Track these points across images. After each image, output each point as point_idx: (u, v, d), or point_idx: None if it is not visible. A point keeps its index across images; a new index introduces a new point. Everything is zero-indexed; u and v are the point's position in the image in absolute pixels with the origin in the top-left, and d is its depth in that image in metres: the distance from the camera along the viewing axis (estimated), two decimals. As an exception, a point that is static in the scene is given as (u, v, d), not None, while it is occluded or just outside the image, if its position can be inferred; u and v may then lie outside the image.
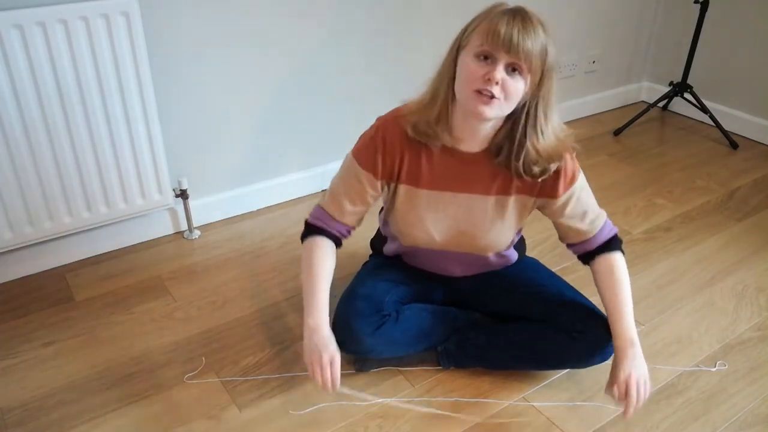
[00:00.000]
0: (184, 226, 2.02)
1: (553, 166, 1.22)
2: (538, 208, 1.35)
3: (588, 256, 1.37)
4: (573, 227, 1.34)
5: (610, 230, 1.36)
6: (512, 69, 1.10)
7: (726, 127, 2.67)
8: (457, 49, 1.16)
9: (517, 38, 1.07)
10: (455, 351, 1.47)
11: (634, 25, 2.84)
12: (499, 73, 1.09)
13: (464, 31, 1.15)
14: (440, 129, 1.21)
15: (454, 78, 1.16)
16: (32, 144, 1.59)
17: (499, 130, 1.22)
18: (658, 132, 2.78)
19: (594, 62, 2.79)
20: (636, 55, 2.94)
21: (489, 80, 1.09)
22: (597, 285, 1.36)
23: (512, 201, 1.31)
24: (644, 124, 2.82)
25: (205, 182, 2.01)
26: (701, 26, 2.56)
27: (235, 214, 2.11)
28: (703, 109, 2.65)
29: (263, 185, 2.13)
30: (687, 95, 2.70)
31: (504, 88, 1.10)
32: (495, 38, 1.07)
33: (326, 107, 2.12)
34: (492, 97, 1.10)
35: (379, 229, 1.62)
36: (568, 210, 1.31)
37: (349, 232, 1.38)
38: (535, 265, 1.57)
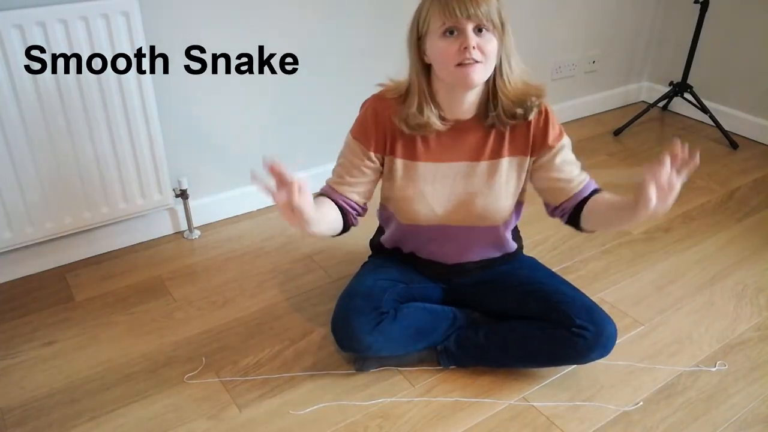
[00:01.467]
0: (184, 226, 2.02)
1: (532, 104, 1.28)
2: (534, 171, 1.37)
3: (576, 210, 1.34)
4: (564, 179, 1.34)
5: (594, 184, 1.37)
6: (479, 30, 1.17)
7: (726, 127, 2.67)
8: (417, 39, 1.23)
9: (471, 5, 1.14)
10: (455, 350, 1.47)
11: (634, 25, 2.84)
12: (472, 39, 1.16)
13: (416, 21, 1.23)
14: (426, 115, 1.27)
15: (424, 67, 1.25)
16: (32, 144, 1.60)
17: (482, 94, 1.30)
18: (658, 132, 2.78)
19: (594, 62, 2.79)
20: (636, 55, 2.94)
21: (465, 49, 1.16)
22: (596, 215, 1.31)
23: (506, 163, 1.34)
24: (644, 124, 2.82)
25: (205, 182, 2.01)
26: (701, 26, 2.56)
27: (235, 214, 2.11)
28: (703, 109, 2.65)
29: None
30: (687, 95, 2.70)
31: (481, 50, 1.18)
32: (452, 12, 1.14)
33: (327, 107, 2.12)
34: (475, 62, 1.17)
35: (378, 229, 1.62)
36: (561, 161, 1.34)
37: (352, 208, 1.37)
38: (533, 263, 1.58)
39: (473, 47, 1.16)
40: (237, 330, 1.62)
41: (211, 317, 1.66)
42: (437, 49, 1.19)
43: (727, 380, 1.48)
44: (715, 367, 1.52)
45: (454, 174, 1.35)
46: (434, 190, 1.36)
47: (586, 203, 1.34)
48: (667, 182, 1.05)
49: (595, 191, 1.37)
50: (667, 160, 1.04)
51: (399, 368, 1.49)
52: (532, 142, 1.34)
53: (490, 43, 1.18)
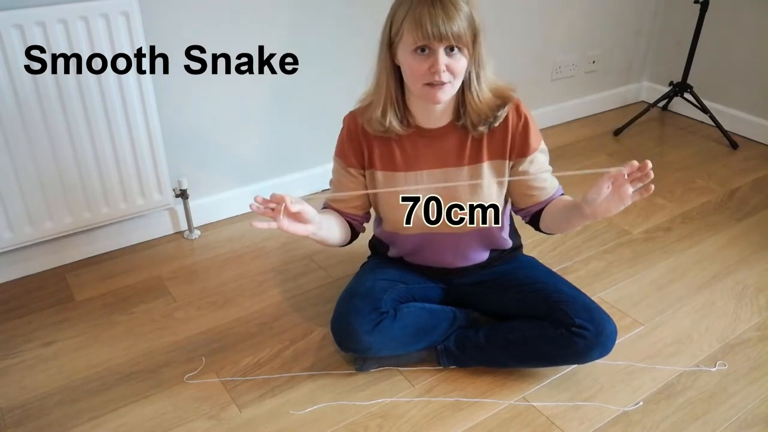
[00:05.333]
0: (184, 226, 2.02)
1: (501, 112, 1.29)
2: (512, 173, 1.37)
3: (537, 212, 1.39)
4: (537, 186, 1.37)
5: (560, 190, 1.41)
6: (450, 49, 1.17)
7: (726, 127, 2.67)
8: (389, 42, 1.21)
9: (443, 26, 1.12)
10: (455, 350, 1.47)
11: (634, 25, 2.84)
12: (442, 62, 1.16)
13: (389, 24, 1.20)
14: (388, 120, 1.28)
15: (394, 69, 1.24)
16: (32, 144, 1.60)
17: (454, 101, 1.30)
18: (658, 132, 2.78)
19: (594, 62, 2.79)
20: (636, 55, 2.94)
21: (435, 71, 1.16)
22: (551, 219, 1.35)
23: (486, 167, 1.35)
24: (644, 124, 2.82)
25: (205, 182, 2.01)
26: (701, 26, 2.56)
27: (235, 214, 2.11)
28: (703, 109, 2.65)
29: (263, 185, 2.13)
30: (687, 95, 2.70)
31: (451, 70, 1.18)
32: (424, 32, 1.13)
33: (326, 107, 2.12)
34: (443, 84, 1.18)
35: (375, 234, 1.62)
36: (537, 166, 1.35)
37: (355, 219, 1.44)
38: (532, 263, 1.58)
39: (443, 70, 1.16)
40: (237, 330, 1.62)
41: (211, 317, 1.66)
42: (407, 63, 1.19)
43: (727, 380, 1.48)
44: (715, 367, 1.52)
45: (436, 180, 1.35)
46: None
47: (545, 208, 1.38)
48: (621, 185, 1.08)
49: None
50: (626, 168, 1.07)
51: (399, 368, 1.49)
52: (510, 146, 1.33)
53: (459, 62, 1.18)
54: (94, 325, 1.63)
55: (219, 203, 2.06)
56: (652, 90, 3.02)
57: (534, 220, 1.42)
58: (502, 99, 1.30)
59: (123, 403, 1.40)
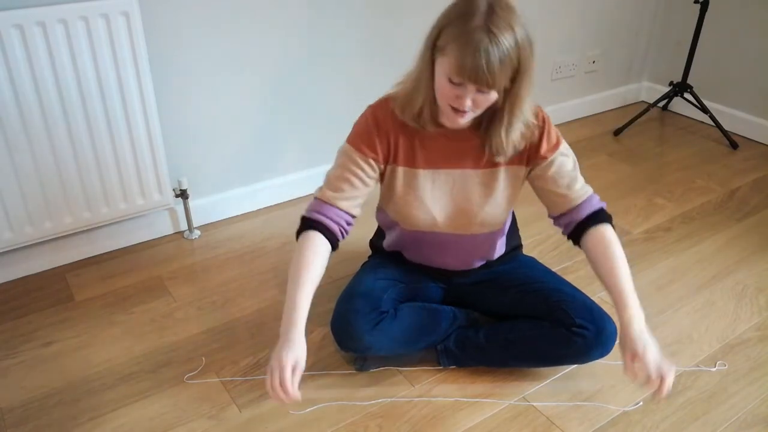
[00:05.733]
0: (184, 226, 2.02)
1: (522, 144, 1.28)
2: (530, 179, 1.36)
3: (577, 230, 1.34)
4: (559, 192, 1.33)
5: (598, 203, 1.35)
6: (480, 90, 1.14)
7: (726, 127, 2.67)
8: (432, 48, 1.16)
9: (482, 74, 1.09)
10: (455, 350, 1.47)
11: (634, 25, 2.84)
12: (468, 100, 1.15)
13: (438, 32, 1.14)
14: (424, 121, 1.26)
15: (432, 77, 1.19)
16: (32, 144, 1.60)
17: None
18: (658, 132, 2.78)
19: (594, 62, 2.79)
20: (636, 55, 2.94)
21: (460, 104, 1.16)
22: (591, 262, 1.33)
23: (503, 172, 1.34)
24: (644, 124, 2.82)
25: (205, 182, 2.01)
26: (701, 26, 2.56)
27: (235, 214, 2.11)
28: (703, 109, 2.65)
29: (263, 185, 2.13)
30: (687, 95, 2.70)
31: (476, 104, 1.16)
32: (461, 73, 1.10)
33: (326, 107, 2.12)
34: (465, 112, 1.17)
35: (378, 229, 1.62)
36: (554, 172, 1.32)
37: (348, 223, 1.32)
38: (532, 263, 1.58)
39: (468, 104, 1.15)
40: (237, 330, 1.62)
41: (211, 317, 1.66)
42: (439, 81, 1.16)
43: (727, 380, 1.48)
44: (715, 367, 1.52)
45: (453, 181, 1.34)
46: (433, 197, 1.35)
47: (586, 230, 1.32)
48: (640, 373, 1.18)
49: (595, 217, 1.32)
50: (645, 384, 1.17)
51: (399, 368, 1.49)
52: (528, 152, 1.32)
53: (487, 99, 1.16)
54: (94, 325, 1.63)
55: (219, 203, 2.06)
56: (652, 90, 3.02)
57: (573, 239, 1.36)
58: (529, 130, 1.28)
59: (123, 403, 1.40)
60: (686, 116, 2.90)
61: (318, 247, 1.28)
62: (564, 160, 1.33)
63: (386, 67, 2.17)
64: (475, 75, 1.09)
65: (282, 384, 1.12)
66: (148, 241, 1.96)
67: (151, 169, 1.80)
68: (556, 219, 1.39)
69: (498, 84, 1.12)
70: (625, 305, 1.23)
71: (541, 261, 1.60)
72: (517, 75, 1.14)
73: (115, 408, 1.39)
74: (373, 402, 1.41)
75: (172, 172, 1.88)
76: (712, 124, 2.68)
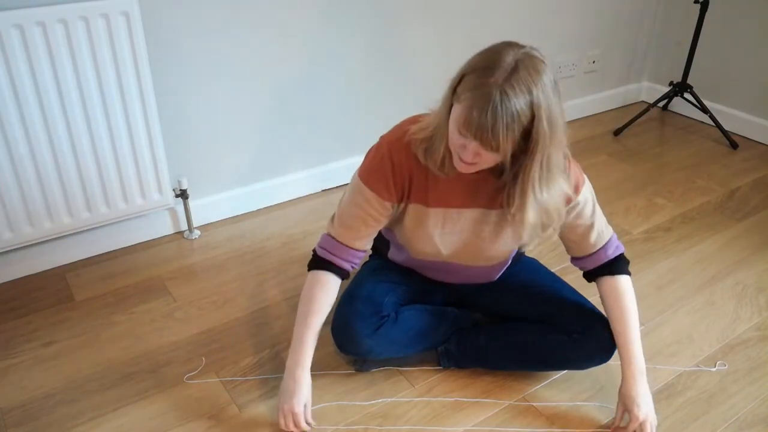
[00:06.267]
0: (184, 226, 2.02)
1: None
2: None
3: (588, 275, 1.38)
4: (575, 240, 1.34)
5: (616, 248, 1.35)
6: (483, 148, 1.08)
7: (726, 127, 2.67)
8: (452, 93, 1.10)
9: (487, 132, 1.03)
10: (455, 351, 1.47)
11: (634, 25, 2.84)
12: (469, 154, 1.08)
13: (461, 76, 1.08)
14: (448, 169, 1.19)
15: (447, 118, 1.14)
16: (32, 144, 1.59)
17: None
18: (658, 132, 2.78)
19: (594, 62, 2.79)
20: (636, 55, 2.94)
21: (464, 154, 1.09)
22: (604, 305, 1.37)
23: None
24: (644, 124, 2.82)
25: (205, 182, 2.01)
26: (701, 26, 2.56)
27: (235, 214, 2.11)
28: (703, 109, 2.65)
29: (263, 185, 2.13)
30: (687, 95, 2.70)
31: (478, 159, 1.10)
32: (468, 128, 1.04)
33: (326, 107, 2.12)
34: (470, 163, 1.11)
35: (380, 233, 1.61)
36: (569, 221, 1.29)
37: (360, 259, 1.35)
38: (534, 265, 1.57)
39: (470, 157, 1.09)
40: (237, 330, 1.62)
41: (211, 317, 1.66)
42: (450, 128, 1.11)
43: (727, 380, 1.48)
44: (715, 367, 1.52)
45: (465, 220, 1.30)
46: (443, 234, 1.31)
47: (601, 277, 1.36)
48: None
49: (610, 267, 1.34)
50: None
51: (399, 368, 1.49)
52: None
53: (489, 156, 1.08)
54: (94, 325, 1.63)
55: (219, 203, 2.06)
56: (652, 90, 3.02)
57: (590, 279, 1.39)
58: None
59: (123, 403, 1.40)
60: (686, 116, 2.90)
61: (329, 287, 1.34)
62: (582, 209, 1.28)
63: (386, 71, 2.17)
64: (480, 133, 1.03)
65: (297, 426, 1.30)
66: (148, 241, 1.96)
67: (151, 169, 1.80)
68: (572, 259, 1.41)
69: (502, 147, 1.05)
70: (629, 363, 1.31)
71: (541, 261, 1.60)
72: (530, 144, 1.07)
73: (115, 408, 1.39)
74: (373, 402, 1.41)
75: (172, 172, 1.88)
76: (712, 124, 2.68)
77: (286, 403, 1.30)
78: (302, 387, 1.30)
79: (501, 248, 1.34)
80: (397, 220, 1.34)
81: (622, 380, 1.31)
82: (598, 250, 1.33)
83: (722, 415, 1.39)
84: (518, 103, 1.01)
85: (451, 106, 1.10)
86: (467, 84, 1.05)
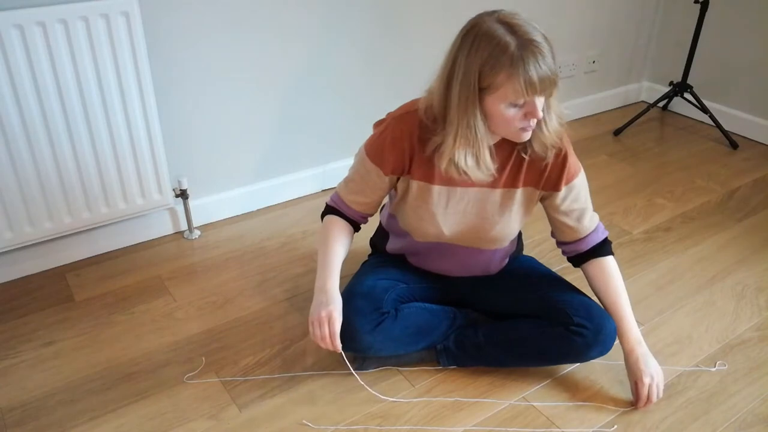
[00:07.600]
0: (184, 226, 2.02)
1: (557, 145, 1.29)
2: (541, 201, 1.38)
3: (579, 258, 1.43)
4: (568, 224, 1.39)
5: (602, 233, 1.42)
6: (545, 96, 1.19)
7: (726, 127, 2.67)
8: (477, 93, 1.14)
9: (546, 83, 1.13)
10: (454, 349, 1.47)
11: (634, 25, 2.84)
12: (540, 111, 1.16)
13: (477, 74, 1.13)
14: (466, 162, 1.23)
15: (483, 116, 1.18)
16: (32, 144, 1.60)
17: None
18: (658, 132, 2.78)
19: (594, 62, 2.79)
20: (636, 55, 2.94)
21: (531, 119, 1.17)
22: (593, 287, 1.44)
23: (519, 193, 1.34)
24: (644, 124, 2.82)
25: (205, 182, 2.01)
26: (701, 26, 2.56)
27: (235, 214, 2.11)
28: (703, 109, 2.65)
29: (263, 185, 2.13)
30: (687, 95, 2.70)
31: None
32: (533, 90, 1.12)
33: (326, 107, 2.12)
34: (530, 127, 1.20)
35: (379, 227, 1.62)
36: (566, 205, 1.36)
37: (364, 218, 1.44)
38: (532, 263, 1.58)
39: (541, 114, 1.17)
40: (237, 330, 1.62)
41: (211, 317, 1.66)
42: (502, 115, 1.15)
43: (727, 380, 1.48)
44: (715, 367, 1.52)
45: (468, 199, 1.34)
46: (446, 213, 1.35)
47: (588, 260, 1.42)
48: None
49: (598, 250, 1.41)
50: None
51: (399, 368, 1.49)
52: (546, 179, 1.32)
53: (542, 104, 1.18)
54: (94, 325, 1.63)
55: (219, 203, 2.06)
56: (652, 90, 3.02)
57: (572, 262, 1.45)
58: (562, 133, 1.29)
59: (123, 403, 1.40)
60: (686, 116, 2.90)
61: (342, 226, 1.41)
62: (578, 193, 1.35)
63: (387, 69, 2.17)
64: (543, 88, 1.12)
65: (332, 335, 1.26)
66: (148, 241, 1.96)
67: (151, 169, 1.80)
68: (560, 243, 1.45)
69: (555, 86, 1.16)
70: (627, 338, 1.39)
71: (541, 261, 1.60)
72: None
73: (115, 408, 1.39)
74: (372, 402, 1.41)
75: (172, 172, 1.88)
76: (712, 124, 2.68)
77: (323, 310, 1.26)
78: (335, 298, 1.29)
79: (504, 230, 1.37)
80: (401, 198, 1.38)
81: (624, 354, 1.40)
82: (591, 233, 1.40)
83: (722, 414, 1.39)
84: (540, 40, 1.13)
85: (479, 102, 1.16)
86: (494, 70, 1.11)
